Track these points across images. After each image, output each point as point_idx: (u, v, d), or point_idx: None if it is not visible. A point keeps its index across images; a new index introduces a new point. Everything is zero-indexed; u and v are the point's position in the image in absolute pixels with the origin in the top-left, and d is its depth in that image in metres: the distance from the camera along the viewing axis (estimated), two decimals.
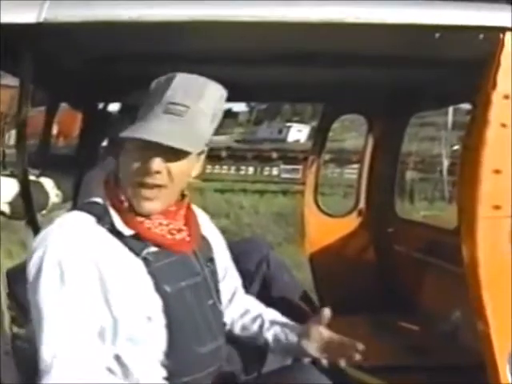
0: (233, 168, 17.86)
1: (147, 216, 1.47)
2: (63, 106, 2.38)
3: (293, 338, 1.70)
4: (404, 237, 3.18)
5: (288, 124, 35.51)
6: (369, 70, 2.13)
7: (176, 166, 1.43)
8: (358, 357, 1.55)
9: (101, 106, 2.50)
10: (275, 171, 17.46)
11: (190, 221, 1.59)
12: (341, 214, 3.46)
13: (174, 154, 1.41)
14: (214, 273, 1.66)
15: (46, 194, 1.97)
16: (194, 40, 1.69)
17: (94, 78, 1.87)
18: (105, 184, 1.52)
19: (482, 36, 1.52)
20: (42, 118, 2.13)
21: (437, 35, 1.48)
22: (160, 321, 1.45)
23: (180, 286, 1.49)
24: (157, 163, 1.39)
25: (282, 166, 17.67)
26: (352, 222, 3.37)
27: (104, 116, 2.48)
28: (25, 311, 1.66)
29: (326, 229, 3.35)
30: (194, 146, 1.44)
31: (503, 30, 1.52)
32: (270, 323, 1.76)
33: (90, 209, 1.47)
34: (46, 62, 1.65)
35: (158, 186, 1.43)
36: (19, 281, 1.66)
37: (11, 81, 1.61)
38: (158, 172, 1.41)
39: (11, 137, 1.75)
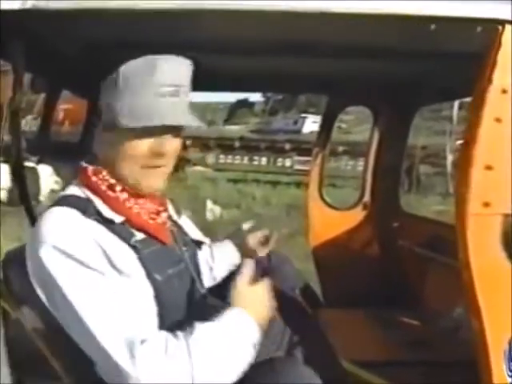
0: (246, 158, 17.81)
1: (142, 196, 1.51)
2: (65, 93, 2.36)
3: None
4: (408, 231, 3.14)
5: (303, 115, 35.37)
6: (371, 62, 2.09)
7: (175, 145, 1.49)
8: None
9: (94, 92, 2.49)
10: (288, 162, 17.37)
11: (164, 203, 1.63)
12: (345, 207, 3.42)
13: (175, 134, 1.47)
14: (192, 256, 1.70)
15: (37, 181, 1.97)
16: (197, 29, 1.68)
17: (89, 64, 1.86)
18: (81, 174, 1.51)
19: (479, 28, 1.48)
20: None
21: (432, 27, 1.45)
22: (151, 307, 1.43)
23: (168, 274, 1.51)
24: (165, 145, 1.45)
25: (296, 158, 17.60)
26: (357, 216, 3.33)
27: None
28: (16, 297, 1.68)
29: (330, 221, 3.31)
30: (197, 121, 1.49)
31: (502, 22, 1.48)
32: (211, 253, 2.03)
33: (69, 202, 1.45)
34: (39, 48, 1.63)
35: (163, 166, 1.48)
36: (12, 267, 1.68)
37: (5, 66, 1.60)
38: (166, 153, 1.46)
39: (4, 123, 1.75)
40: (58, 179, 2.24)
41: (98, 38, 1.69)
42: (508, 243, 1.55)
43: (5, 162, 1.81)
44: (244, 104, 42.70)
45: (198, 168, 15.77)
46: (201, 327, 1.34)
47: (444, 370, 2.24)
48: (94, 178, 1.49)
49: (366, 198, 3.34)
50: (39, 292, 1.39)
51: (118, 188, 1.48)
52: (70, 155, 2.38)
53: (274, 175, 15.93)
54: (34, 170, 2.00)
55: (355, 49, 1.86)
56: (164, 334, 1.33)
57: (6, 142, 1.76)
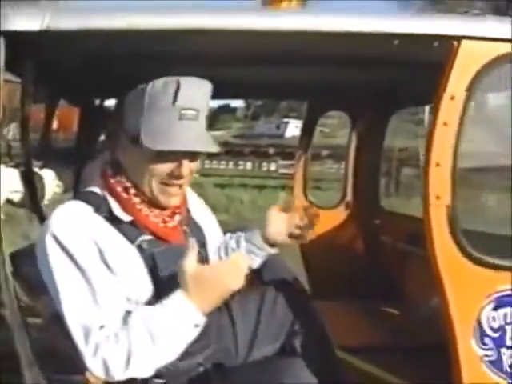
0: (231, 163, 17.92)
1: (166, 208, 1.63)
2: (62, 103, 2.51)
3: (258, 240, 1.88)
4: (389, 228, 3.32)
5: (285, 120, 35.56)
6: (346, 72, 2.29)
7: (193, 166, 1.61)
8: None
9: (97, 103, 2.64)
10: (273, 166, 17.50)
11: (182, 207, 1.72)
12: (329, 207, 3.59)
13: (193, 156, 1.59)
14: (205, 256, 1.78)
15: (43, 185, 2.13)
16: (186, 45, 1.85)
17: (90, 77, 2.03)
18: (102, 175, 1.65)
19: (436, 43, 1.68)
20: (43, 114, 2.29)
21: (396, 42, 1.64)
22: (150, 303, 1.54)
23: (172, 271, 1.57)
24: (185, 166, 1.56)
25: (280, 162, 17.74)
26: (340, 214, 3.52)
27: (100, 112, 2.61)
28: (29, 288, 1.85)
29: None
30: (215, 146, 1.60)
31: (456, 38, 1.68)
32: (237, 243, 1.93)
33: (87, 198, 1.60)
34: (46, 63, 1.79)
35: (182, 185, 1.61)
36: (23, 262, 1.84)
37: (14, 77, 1.75)
38: (185, 175, 1.58)
39: (15, 131, 1.91)
40: (59, 183, 2.39)
41: (101, 54, 1.86)
42: (456, 232, 1.74)
43: (14, 166, 1.96)
44: (226, 110, 42.74)
45: None
46: (141, 312, 1.50)
47: (422, 354, 2.40)
48: (111, 180, 1.62)
49: (348, 197, 3.54)
50: (42, 273, 1.56)
51: (132, 191, 1.61)
52: (69, 161, 2.54)
53: (260, 179, 16.02)
54: (38, 174, 2.15)
55: (332, 60, 2.05)
56: (120, 322, 1.49)
57: (15, 149, 1.92)
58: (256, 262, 1.90)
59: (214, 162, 17.41)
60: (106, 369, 1.46)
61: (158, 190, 1.59)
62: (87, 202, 1.59)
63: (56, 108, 2.37)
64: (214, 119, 39.86)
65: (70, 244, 1.50)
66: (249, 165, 18.05)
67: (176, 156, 1.55)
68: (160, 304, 1.49)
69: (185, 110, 1.53)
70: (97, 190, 1.63)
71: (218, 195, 13.05)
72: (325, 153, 16.33)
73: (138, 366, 1.46)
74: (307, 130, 3.53)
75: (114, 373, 1.46)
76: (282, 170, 17.16)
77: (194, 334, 1.48)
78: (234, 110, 44.35)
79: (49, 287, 1.55)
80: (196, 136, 1.55)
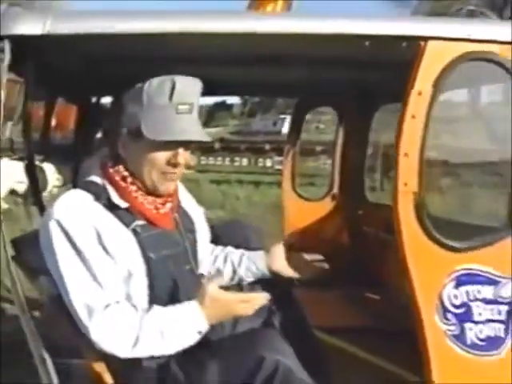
0: (227, 159, 17.99)
1: (160, 196, 1.80)
2: (61, 101, 2.67)
3: (261, 263, 2.03)
4: (372, 218, 3.49)
5: (282, 116, 35.61)
6: (330, 71, 2.45)
7: (187, 155, 1.78)
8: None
9: (95, 101, 2.80)
10: (269, 163, 17.54)
11: (173, 196, 1.89)
12: (316, 198, 3.79)
13: (187, 146, 1.77)
14: (193, 242, 1.96)
15: (45, 178, 2.29)
16: (180, 46, 2.01)
17: (88, 77, 2.18)
18: (102, 166, 1.81)
19: (404, 44, 1.84)
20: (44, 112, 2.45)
21: (367, 43, 1.80)
22: (143, 282, 1.74)
23: (162, 254, 1.78)
24: (181, 155, 1.74)
25: (276, 158, 17.81)
26: (326, 206, 3.71)
27: (98, 110, 2.77)
28: (30, 272, 1.97)
29: (302, 211, 3.68)
30: (206, 136, 1.80)
31: (423, 38, 1.84)
32: (240, 258, 2.07)
33: (88, 187, 1.77)
34: (47, 64, 1.95)
35: (177, 173, 1.79)
36: (25, 247, 1.98)
37: (17, 78, 1.91)
38: (182, 163, 1.76)
39: (18, 128, 2.07)
40: (59, 176, 2.55)
41: (97, 55, 2.02)
42: (421, 217, 1.90)
43: (19, 159, 2.12)
44: (222, 106, 42.77)
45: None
46: (158, 309, 1.70)
47: (401, 337, 2.57)
48: (111, 170, 1.79)
49: (335, 189, 3.72)
50: (45, 257, 1.72)
51: (129, 180, 1.77)
52: (67, 156, 2.70)
53: (256, 175, 16.09)
54: (40, 167, 2.31)
55: (315, 60, 2.21)
56: (127, 305, 1.69)
57: (18, 143, 2.08)
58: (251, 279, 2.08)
59: (211, 158, 17.51)
60: (112, 344, 1.64)
61: (157, 178, 1.76)
62: (88, 190, 1.76)
63: (55, 106, 2.52)
64: (211, 116, 39.90)
65: (72, 229, 1.67)
66: (245, 161, 18.13)
67: (173, 146, 1.73)
68: (175, 307, 1.72)
69: (180, 105, 1.72)
70: (97, 179, 1.79)
71: (213, 191, 13.16)
72: (319, 148, 16.45)
73: (142, 350, 1.66)
74: (295, 126, 3.71)
75: (120, 350, 1.65)
76: (277, 166, 17.24)
77: (195, 338, 1.70)
78: (231, 107, 44.37)
79: (52, 271, 1.71)
80: (190, 127, 1.74)
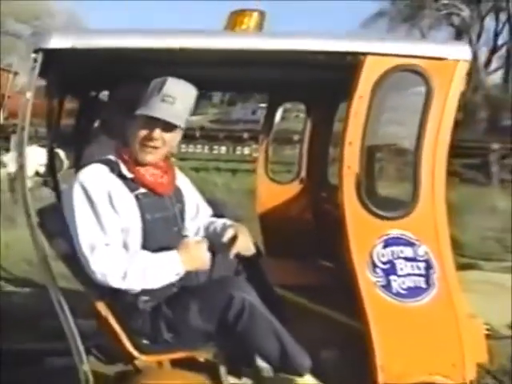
0: (206, 147, 18.27)
1: (146, 165, 2.30)
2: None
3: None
4: (333, 198, 3.97)
5: (261, 105, 35.77)
6: (296, 72, 2.93)
7: (167, 135, 2.29)
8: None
9: (96, 95, 3.27)
10: (247, 151, 17.80)
11: (169, 172, 2.42)
12: (286, 182, 4.26)
13: (166, 127, 2.26)
14: (181, 211, 2.48)
15: (61, 161, 2.82)
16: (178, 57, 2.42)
17: (106, 82, 2.70)
18: (115, 146, 2.35)
19: (349, 57, 2.33)
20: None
21: (320, 57, 2.30)
22: (138, 235, 2.27)
23: (156, 216, 2.32)
24: (157, 132, 2.26)
25: (254, 146, 18.08)
26: (295, 188, 4.19)
27: (98, 104, 3.25)
28: (52, 237, 2.40)
29: (274, 193, 4.15)
30: (180, 122, 2.28)
31: (363, 54, 2.32)
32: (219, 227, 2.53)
33: (105, 162, 2.31)
34: (71, 72, 2.45)
35: (156, 147, 2.29)
36: (48, 215, 2.43)
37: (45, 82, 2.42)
38: (156, 138, 2.27)
39: (42, 121, 2.61)
40: (67, 161, 3.06)
41: (112, 65, 2.53)
42: (360, 193, 2.35)
43: (42, 146, 2.61)
44: (203, 96, 42.69)
45: None
46: (145, 252, 2.22)
47: (342, 290, 2.84)
48: (121, 149, 2.34)
49: (303, 174, 4.20)
50: (65, 212, 2.23)
51: (133, 157, 2.31)
52: (72, 142, 3.19)
53: (234, 163, 16.38)
54: (57, 153, 2.82)
55: (285, 64, 2.68)
56: (122, 248, 2.21)
57: (41, 133, 2.56)
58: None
59: (191, 146, 17.77)
60: (106, 275, 2.14)
61: (138, 148, 2.28)
62: (106, 164, 2.30)
63: (62, 102, 2.99)
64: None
65: (90, 189, 2.20)
66: (223, 149, 18.40)
67: (152, 123, 2.23)
68: (160, 252, 2.22)
69: (166, 97, 2.24)
70: (112, 157, 2.34)
71: (193, 178, 13.49)
72: (297, 137, 16.81)
73: (129, 283, 2.17)
74: (269, 118, 4.19)
75: (111, 280, 2.15)
76: (255, 154, 17.51)
77: (172, 278, 2.22)
78: (211, 96, 44.36)
79: (68, 221, 2.21)
80: (167, 111, 2.23)
